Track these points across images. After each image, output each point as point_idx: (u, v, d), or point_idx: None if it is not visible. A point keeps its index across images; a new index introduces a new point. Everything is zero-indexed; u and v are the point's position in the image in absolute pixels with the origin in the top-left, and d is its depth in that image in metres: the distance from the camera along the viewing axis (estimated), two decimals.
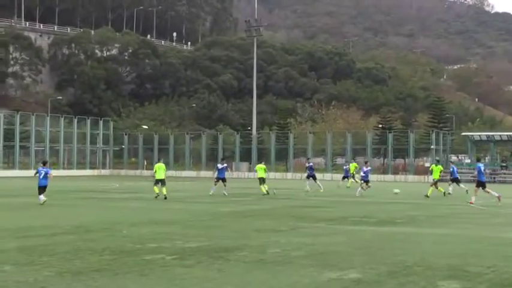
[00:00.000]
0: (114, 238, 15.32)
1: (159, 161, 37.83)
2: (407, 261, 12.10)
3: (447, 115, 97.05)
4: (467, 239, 16.02)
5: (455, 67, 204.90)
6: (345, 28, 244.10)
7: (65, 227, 17.75)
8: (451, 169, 33.24)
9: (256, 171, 39.31)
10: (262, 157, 63.73)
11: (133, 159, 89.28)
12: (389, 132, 78.16)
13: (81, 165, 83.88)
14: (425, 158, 76.41)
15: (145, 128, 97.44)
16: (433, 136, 73.85)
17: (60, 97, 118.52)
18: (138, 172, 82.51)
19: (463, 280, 10.29)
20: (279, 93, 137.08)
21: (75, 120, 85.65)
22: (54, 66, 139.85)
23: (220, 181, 35.55)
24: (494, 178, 64.01)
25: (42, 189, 27.05)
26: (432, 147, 72.70)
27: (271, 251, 13.25)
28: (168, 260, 11.96)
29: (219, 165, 36.93)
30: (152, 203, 28.39)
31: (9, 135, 76.85)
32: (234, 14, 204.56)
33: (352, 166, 43.35)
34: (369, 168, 35.87)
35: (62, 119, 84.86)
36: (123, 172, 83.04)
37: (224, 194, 33.37)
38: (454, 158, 75.29)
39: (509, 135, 74.19)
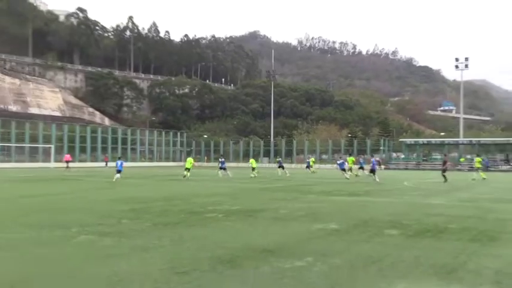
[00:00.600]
0: (186, 204, 15.42)
1: (188, 155, 38.13)
2: (364, 218, 12.10)
3: (390, 129, 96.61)
4: (401, 204, 15.97)
5: (395, 99, 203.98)
6: (327, 75, 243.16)
7: (156, 197, 17.90)
8: (372, 162, 31.08)
9: (251, 163, 38.93)
10: (277, 154, 63.79)
11: (198, 156, 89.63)
12: (355, 139, 77.91)
13: (167, 160, 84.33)
14: (376, 155, 75.79)
15: (205, 137, 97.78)
16: (382, 142, 73.60)
17: (154, 118, 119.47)
18: (200, 164, 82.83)
19: (399, 229, 10.29)
20: (287, 115, 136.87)
21: (163, 132, 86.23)
22: (150, 100, 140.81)
23: (222, 169, 36.09)
24: (418, 167, 63.70)
25: (118, 171, 28.84)
26: (381, 148, 72.20)
27: (282, 212, 13.31)
28: (219, 217, 12.04)
29: (221, 159, 37.73)
30: (209, 182, 28.50)
31: (124, 141, 77.62)
32: (259, 67, 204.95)
33: (350, 160, 35.44)
34: (376, 159, 31.50)
35: (156, 131, 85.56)
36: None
37: (229, 176, 34.27)
38: (376, 155, 74.95)
39: (428, 140, 75.28)
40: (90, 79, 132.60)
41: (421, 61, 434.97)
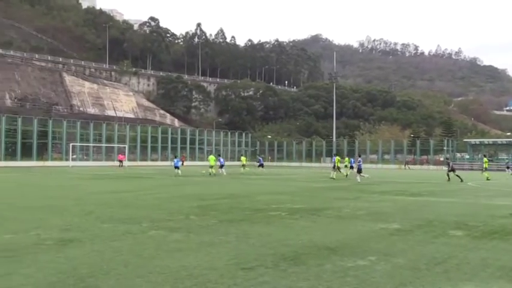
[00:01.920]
0: (251, 201, 15.44)
1: (211, 154, 39.95)
2: (428, 218, 11.65)
3: (454, 129, 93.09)
4: (467, 204, 15.28)
5: (459, 99, 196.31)
6: (389, 76, 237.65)
7: (222, 194, 18.06)
8: (358, 161, 29.64)
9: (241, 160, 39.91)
10: (339, 154, 62.77)
11: (262, 155, 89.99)
12: (417, 140, 75.59)
13: (232, 159, 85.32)
14: (440, 155, 73.26)
15: (269, 137, 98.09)
16: (445, 142, 70.98)
17: (221, 119, 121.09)
18: (265, 163, 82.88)
19: (464, 230, 9.81)
20: (349, 116, 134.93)
21: (229, 133, 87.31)
22: (217, 102, 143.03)
23: (261, 167, 39.64)
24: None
25: (176, 167, 33.79)
26: (445, 148, 69.62)
27: (345, 211, 13.07)
28: (283, 215, 11.96)
29: (260, 158, 39.12)
30: (273, 181, 28.49)
31: (192, 141, 79.16)
32: (321, 69, 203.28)
33: (337, 160, 33.40)
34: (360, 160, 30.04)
35: (222, 132, 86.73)
36: (256, 163, 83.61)
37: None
38: (362, 155, 72.32)
39: (494, 140, 72.20)
40: (161, 83, 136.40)
41: (485, 61, 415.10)
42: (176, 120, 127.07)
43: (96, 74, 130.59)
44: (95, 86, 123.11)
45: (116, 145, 66.92)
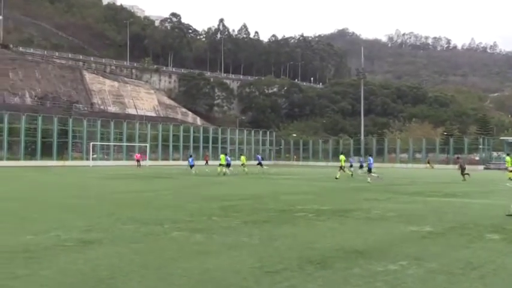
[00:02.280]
0: (275, 202, 15.42)
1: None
2: (462, 220, 11.43)
3: (490, 126, 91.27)
4: (504, 207, 14.94)
5: (495, 95, 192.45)
6: (420, 72, 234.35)
7: (245, 194, 18.07)
8: (368, 160, 29.38)
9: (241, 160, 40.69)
10: (367, 153, 62.33)
11: (287, 154, 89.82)
12: (450, 138, 74.45)
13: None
14: (475, 154, 72.01)
15: (294, 136, 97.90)
16: (481, 140, 69.69)
17: (244, 117, 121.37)
18: (290, 163, 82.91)
19: (502, 234, 9.59)
20: (377, 113, 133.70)
21: (253, 132, 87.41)
22: (240, 99, 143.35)
23: (259, 165, 41.38)
24: None
25: (191, 166, 36.74)
26: (480, 147, 68.38)
27: (374, 212, 12.92)
28: (309, 216, 11.90)
29: (258, 156, 43.23)
30: (298, 180, 28.41)
31: (215, 140, 79.51)
32: (348, 65, 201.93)
33: (342, 159, 32.97)
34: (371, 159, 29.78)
35: (245, 130, 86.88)
36: (281, 163, 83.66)
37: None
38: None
39: None
40: (183, 80, 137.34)
41: None
42: (198, 118, 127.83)
43: (116, 71, 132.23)
44: (116, 83, 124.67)
45: (137, 144, 67.64)
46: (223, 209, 13.18)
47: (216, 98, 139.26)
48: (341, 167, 32.33)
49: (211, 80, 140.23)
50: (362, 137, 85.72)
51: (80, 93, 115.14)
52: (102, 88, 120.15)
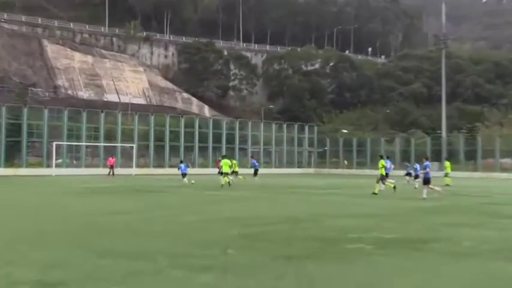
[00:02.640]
0: (319, 228, 15.35)
1: (223, 157, 43.09)
2: None
3: None
4: None
5: None
6: None
7: (278, 217, 17.99)
8: (425, 167, 28.87)
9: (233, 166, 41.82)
10: (451, 158, 61.66)
11: (334, 159, 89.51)
12: None
13: (289, 165, 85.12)
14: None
15: (345, 132, 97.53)
16: None
17: (272, 106, 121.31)
18: (339, 171, 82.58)
19: None
20: (466, 99, 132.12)
21: (285, 126, 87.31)
22: (266, 80, 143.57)
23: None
24: None
25: (184, 175, 40.37)
26: None
27: (463, 244, 12.69)
28: (368, 250, 11.75)
29: (254, 162, 45.59)
30: (350, 198, 28.23)
31: (230, 139, 79.57)
32: (423, 29, 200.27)
33: (381, 164, 32.70)
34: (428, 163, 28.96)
35: (274, 124, 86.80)
36: (325, 171, 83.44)
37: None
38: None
39: None
40: (185, 53, 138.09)
41: None
42: (206, 107, 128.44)
43: (90, 41, 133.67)
44: (89, 58, 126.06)
45: (119, 144, 68.15)
46: (244, 238, 13.11)
47: (232, 77, 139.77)
48: (382, 177, 31.77)
49: (225, 52, 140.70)
50: (444, 134, 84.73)
51: (39, 72, 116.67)
52: (70, 65, 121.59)
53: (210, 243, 12.24)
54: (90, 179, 48.61)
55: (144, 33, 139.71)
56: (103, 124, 69.58)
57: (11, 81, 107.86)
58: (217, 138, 78.05)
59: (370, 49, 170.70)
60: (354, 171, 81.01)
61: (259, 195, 29.51)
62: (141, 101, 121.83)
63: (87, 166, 66.95)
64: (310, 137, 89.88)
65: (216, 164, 68.71)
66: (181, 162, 44.66)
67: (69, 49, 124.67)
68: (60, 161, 64.84)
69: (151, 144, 71.87)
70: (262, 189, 34.78)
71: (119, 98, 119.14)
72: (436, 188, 28.09)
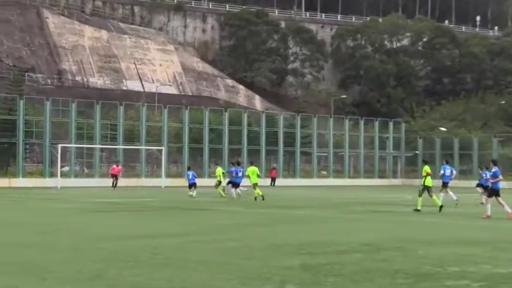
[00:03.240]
0: (408, 259, 15.20)
1: (251, 164, 45.00)
2: None
3: None
4: None
5: None
6: None
7: (351, 244, 17.95)
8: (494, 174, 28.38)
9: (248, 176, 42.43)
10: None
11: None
12: None
13: (368, 174, 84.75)
14: None
15: (444, 130, 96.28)
16: None
17: (344, 96, 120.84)
18: (435, 181, 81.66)
19: None
20: None
21: (362, 122, 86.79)
22: (337, 61, 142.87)
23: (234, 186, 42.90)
24: None
25: (191, 186, 42.75)
26: None
27: None
28: None
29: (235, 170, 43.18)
30: (450, 218, 27.94)
31: (289, 140, 79.39)
32: None
33: (425, 170, 34.15)
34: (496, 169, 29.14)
35: (347, 120, 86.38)
36: (417, 182, 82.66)
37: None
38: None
39: None
40: (229, 26, 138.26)
41: None
42: (257, 98, 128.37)
43: (105, 11, 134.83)
44: (104, 34, 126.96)
45: (143, 147, 68.70)
46: (306, 270, 13.12)
47: (292, 58, 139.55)
48: (426, 188, 31.61)
49: (282, 24, 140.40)
50: None
51: (38, 52, 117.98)
52: (79, 43, 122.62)
53: (263, 277, 12.30)
54: (105, 192, 49.11)
55: (174, 0, 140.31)
56: (122, 120, 70.11)
57: (2, 64, 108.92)
58: (271, 139, 78.09)
59: (478, 18, 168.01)
60: (456, 182, 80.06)
61: (325, 214, 29.47)
62: (172, 90, 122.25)
63: (102, 175, 67.52)
64: (396, 137, 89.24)
65: (270, 172, 69.03)
66: (188, 169, 47.02)
67: (77, 22, 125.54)
68: (66, 168, 65.64)
69: (186, 146, 72.26)
70: (329, 206, 34.71)
71: (142, 86, 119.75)
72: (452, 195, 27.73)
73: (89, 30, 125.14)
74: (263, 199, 38.13)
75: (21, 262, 14.25)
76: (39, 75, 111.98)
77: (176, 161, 73.39)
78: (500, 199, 27.34)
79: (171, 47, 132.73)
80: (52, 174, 62.46)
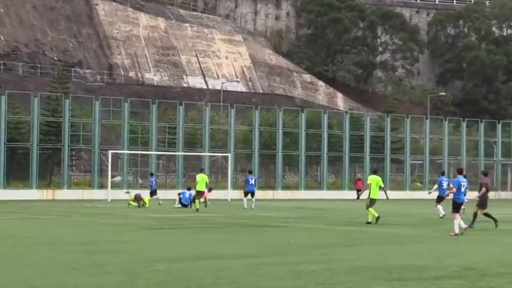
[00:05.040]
0: None
1: (201, 171, 47.05)
2: None
3: None
4: None
5: None
6: None
7: (450, 268, 17.74)
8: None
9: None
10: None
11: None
12: None
13: (471, 185, 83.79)
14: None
15: None
16: None
17: (443, 93, 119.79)
18: None
19: None
20: None
21: (464, 124, 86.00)
22: (434, 52, 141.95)
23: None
24: None
25: (152, 193, 45.61)
26: None
27: None
28: None
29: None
30: None
31: (377, 145, 79.01)
32: None
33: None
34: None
35: (446, 122, 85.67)
36: None
37: None
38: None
39: None
40: (307, 12, 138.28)
41: None
42: (340, 96, 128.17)
43: None
44: (161, 22, 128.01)
45: (206, 154, 68.98)
46: None
47: (380, 49, 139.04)
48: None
49: (367, 9, 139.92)
50: None
51: (86, 44, 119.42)
52: (133, 33, 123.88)
53: None
54: (163, 207, 49.44)
55: None
56: (182, 123, 70.43)
57: (45, 58, 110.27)
58: (356, 144, 77.87)
59: None
60: None
61: (419, 232, 29.38)
62: (240, 87, 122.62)
63: (159, 187, 67.88)
64: (506, 142, 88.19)
65: (355, 184, 68.80)
66: (151, 175, 49.68)
67: (130, 9, 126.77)
68: (118, 178, 66.25)
69: (256, 153, 72.30)
70: (423, 223, 34.51)
71: (205, 82, 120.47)
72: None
73: (144, 19, 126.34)
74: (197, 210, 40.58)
75: (67, 287, 14.41)
76: (87, 70, 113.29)
77: (244, 170, 73.30)
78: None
79: (239, 37, 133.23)
80: (102, 185, 63.06)
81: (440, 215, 36.51)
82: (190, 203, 46.03)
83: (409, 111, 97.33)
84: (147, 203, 47.19)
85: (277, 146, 73.45)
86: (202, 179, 43.48)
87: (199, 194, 43.52)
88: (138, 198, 47.41)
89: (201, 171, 47.17)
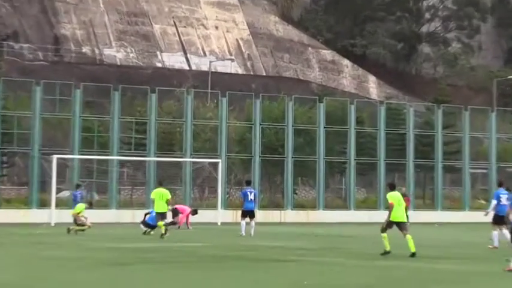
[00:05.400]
0: None
1: (160, 185, 46.08)
2: None
3: None
4: None
5: None
6: None
7: None
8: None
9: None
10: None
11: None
12: None
13: None
14: None
15: None
16: None
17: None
18: None
19: None
20: None
21: None
22: (501, 20, 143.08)
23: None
24: None
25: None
26: None
27: None
28: None
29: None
30: None
31: (424, 147, 79.01)
32: None
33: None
34: None
35: None
36: None
37: None
38: None
39: None
40: None
41: None
42: (372, 79, 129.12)
43: None
44: None
45: (188, 159, 68.95)
46: None
47: (427, 16, 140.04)
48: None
49: None
50: None
51: (25, 9, 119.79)
52: None
53: None
54: (127, 232, 49.32)
55: None
56: (155, 117, 70.29)
57: None
58: (396, 146, 77.98)
59: None
60: None
61: (484, 269, 29.34)
62: (235, 67, 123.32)
63: (121, 205, 67.82)
64: None
65: (406, 200, 68.56)
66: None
67: None
68: (66, 193, 66.13)
69: (257, 158, 72.33)
70: (491, 257, 34.22)
71: (187, 61, 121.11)
72: None
73: None
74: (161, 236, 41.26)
75: None
76: (24, 45, 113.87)
77: (241, 182, 72.64)
78: None
79: (233, 2, 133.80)
80: (43, 203, 62.79)
81: (495, 243, 36.59)
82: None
83: (468, 100, 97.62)
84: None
85: (285, 149, 73.25)
86: (160, 196, 42.95)
87: (161, 215, 43.21)
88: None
89: (160, 184, 45.99)
